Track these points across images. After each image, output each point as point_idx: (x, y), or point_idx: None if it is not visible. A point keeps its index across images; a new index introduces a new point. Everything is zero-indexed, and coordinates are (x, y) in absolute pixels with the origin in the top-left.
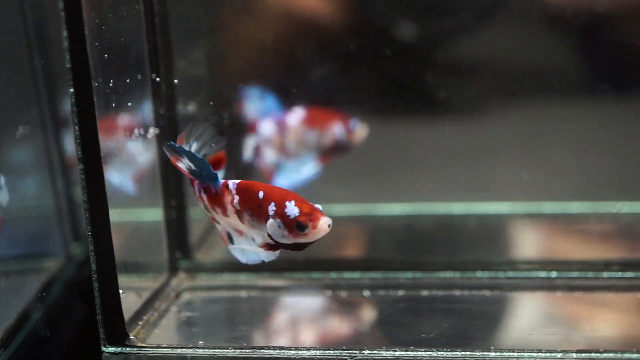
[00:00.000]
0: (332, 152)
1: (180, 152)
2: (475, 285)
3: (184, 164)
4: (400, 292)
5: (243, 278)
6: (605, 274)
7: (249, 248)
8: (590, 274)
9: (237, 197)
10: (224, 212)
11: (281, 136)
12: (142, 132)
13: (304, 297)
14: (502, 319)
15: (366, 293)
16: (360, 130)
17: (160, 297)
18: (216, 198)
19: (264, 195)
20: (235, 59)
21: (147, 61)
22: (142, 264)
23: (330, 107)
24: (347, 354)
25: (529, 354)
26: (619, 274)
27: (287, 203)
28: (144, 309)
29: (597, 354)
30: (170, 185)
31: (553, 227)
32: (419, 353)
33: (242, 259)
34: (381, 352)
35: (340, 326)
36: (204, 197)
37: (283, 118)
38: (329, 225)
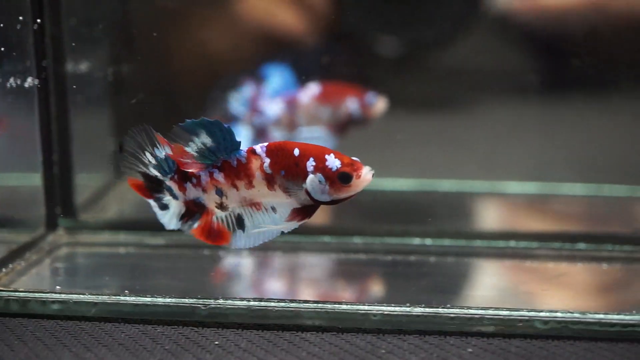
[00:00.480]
0: (347, 126)
1: (196, 129)
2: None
3: (195, 145)
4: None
5: (122, 237)
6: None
7: (268, 227)
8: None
9: (267, 160)
10: (248, 183)
11: (291, 114)
12: (18, 82)
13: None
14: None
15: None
16: (378, 104)
17: (33, 250)
18: (239, 169)
19: (300, 152)
20: (135, 18)
21: (30, 5)
22: (14, 219)
23: (347, 82)
24: (201, 303)
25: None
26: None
27: (326, 156)
28: (10, 258)
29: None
30: (51, 142)
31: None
32: (271, 304)
33: (257, 241)
34: (235, 302)
35: (202, 281)
36: (219, 176)
37: (294, 95)
38: (373, 175)
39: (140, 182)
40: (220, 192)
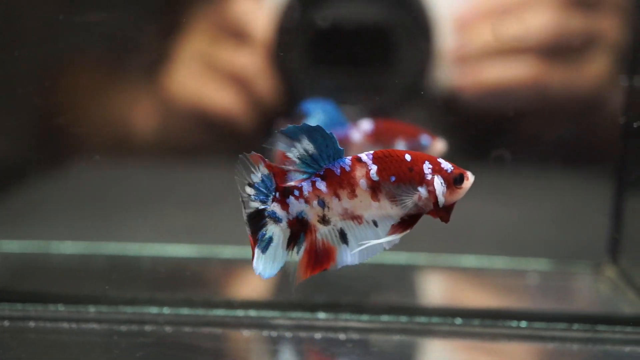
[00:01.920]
0: None
1: (297, 134)
2: None
3: (297, 152)
4: None
5: None
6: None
7: (372, 241)
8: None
9: (374, 167)
10: (351, 192)
11: None
12: None
13: None
14: None
15: None
16: (435, 146)
17: None
18: (342, 178)
19: (412, 157)
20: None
21: None
22: None
23: (402, 120)
24: None
25: None
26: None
27: (439, 160)
28: None
29: None
30: None
31: None
32: None
33: (359, 259)
34: None
35: None
36: (322, 185)
37: (346, 133)
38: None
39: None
40: (322, 203)
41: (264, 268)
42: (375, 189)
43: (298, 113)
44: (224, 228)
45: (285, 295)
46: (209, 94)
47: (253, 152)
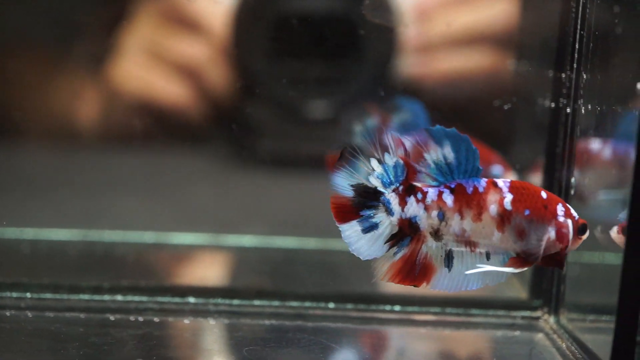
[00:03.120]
0: None
1: (442, 138)
2: None
3: (435, 156)
4: None
5: None
6: None
7: (487, 267)
8: None
9: (509, 196)
10: (477, 215)
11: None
12: None
13: None
14: None
15: None
16: (506, 177)
17: None
18: (472, 197)
19: (547, 196)
20: None
21: None
22: None
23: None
24: None
25: None
26: None
27: (568, 205)
28: None
29: None
30: None
31: None
32: None
33: (463, 285)
34: None
35: None
36: (449, 198)
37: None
38: None
39: (344, 200)
40: (442, 216)
41: (362, 248)
42: (504, 218)
43: (388, 107)
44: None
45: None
46: (157, 85)
47: (397, 134)
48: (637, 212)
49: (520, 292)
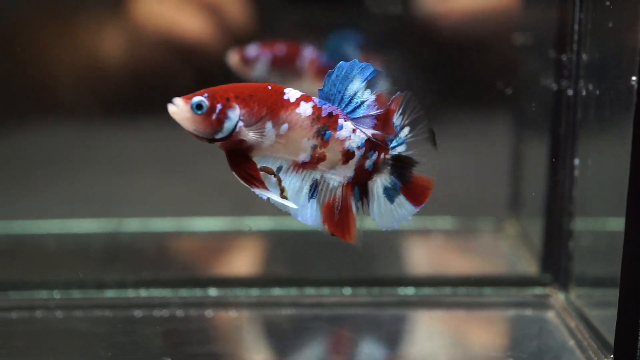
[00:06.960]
0: None
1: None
2: None
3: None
4: None
5: None
6: None
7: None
8: None
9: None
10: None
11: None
12: None
13: None
14: None
15: None
16: None
17: None
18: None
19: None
20: None
21: None
22: None
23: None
24: None
25: None
26: None
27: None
28: None
29: None
30: None
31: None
32: None
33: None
34: None
35: None
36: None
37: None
38: None
39: None
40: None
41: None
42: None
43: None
44: None
45: None
46: (178, 20)
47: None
48: (636, 188)
49: (531, 267)
